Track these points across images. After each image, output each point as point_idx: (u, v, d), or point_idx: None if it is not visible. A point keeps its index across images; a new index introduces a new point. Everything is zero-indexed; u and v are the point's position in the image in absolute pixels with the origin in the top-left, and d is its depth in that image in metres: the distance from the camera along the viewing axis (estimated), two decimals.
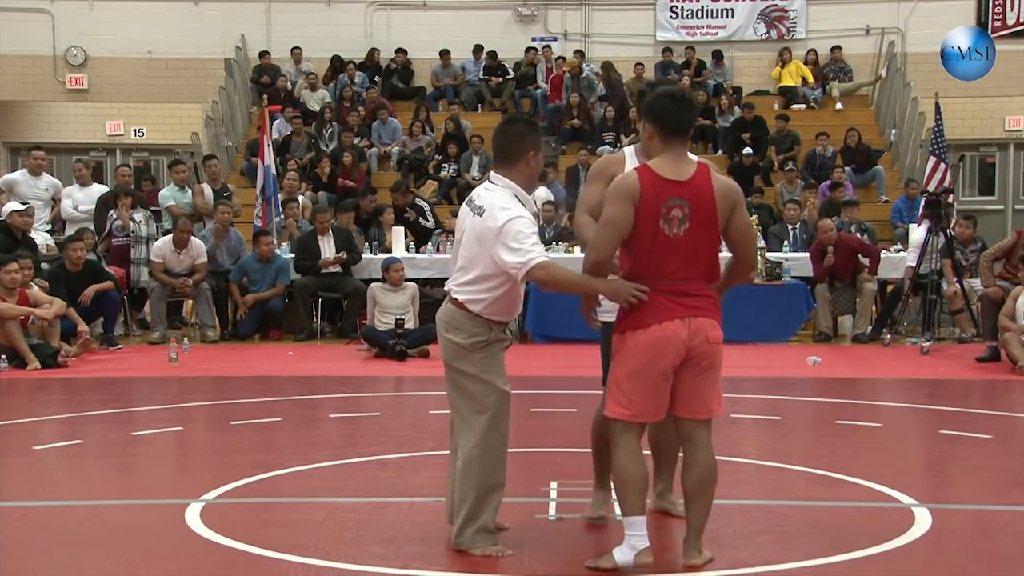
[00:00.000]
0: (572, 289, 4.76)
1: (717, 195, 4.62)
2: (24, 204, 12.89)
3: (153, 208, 14.48)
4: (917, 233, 13.48)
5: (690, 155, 4.71)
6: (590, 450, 5.35)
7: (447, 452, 5.09)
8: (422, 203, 15.08)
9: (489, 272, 4.79)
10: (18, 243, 12.38)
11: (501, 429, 4.88)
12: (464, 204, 5.00)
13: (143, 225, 13.60)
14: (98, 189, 14.67)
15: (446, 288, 4.98)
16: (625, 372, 4.60)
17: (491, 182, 4.93)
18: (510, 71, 20.60)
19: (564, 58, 20.42)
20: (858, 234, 13.76)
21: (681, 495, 5.39)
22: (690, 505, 4.65)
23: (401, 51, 20.80)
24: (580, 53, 20.74)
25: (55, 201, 14.51)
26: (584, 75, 19.84)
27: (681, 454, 4.80)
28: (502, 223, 4.71)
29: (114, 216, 13.58)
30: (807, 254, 13.56)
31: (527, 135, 4.94)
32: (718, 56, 20.68)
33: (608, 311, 4.93)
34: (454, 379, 4.90)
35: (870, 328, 13.13)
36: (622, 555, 4.60)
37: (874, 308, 13.59)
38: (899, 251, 13.95)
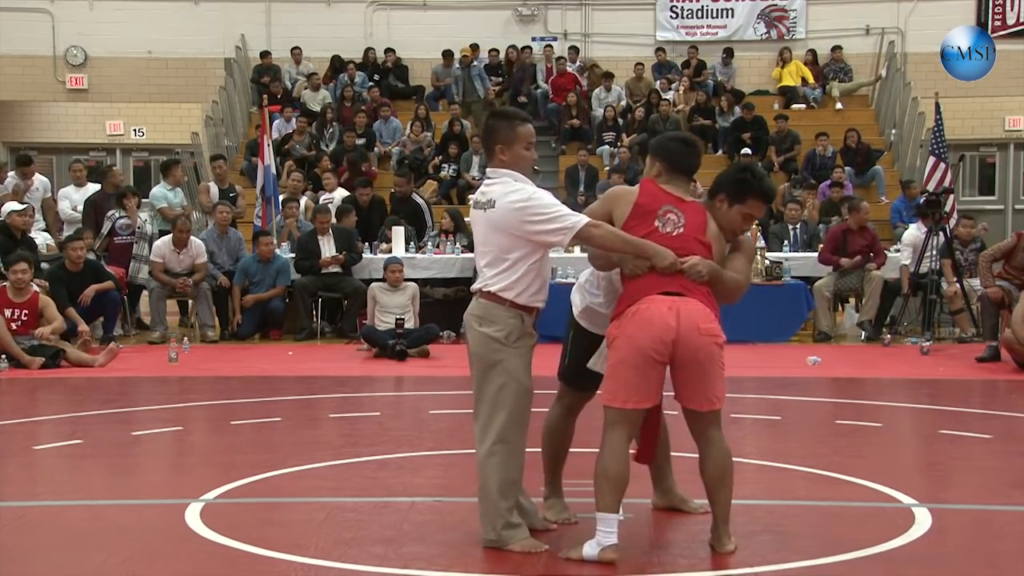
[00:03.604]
0: (622, 247, 4.77)
1: (709, 224, 4.88)
2: (23, 204, 12.91)
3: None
4: (910, 231, 13.49)
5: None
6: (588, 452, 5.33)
7: (447, 452, 5.10)
8: (419, 200, 14.96)
9: (517, 256, 4.82)
10: (17, 243, 12.39)
11: (522, 426, 4.91)
12: (473, 208, 5.04)
13: (148, 224, 13.61)
14: (95, 189, 14.64)
15: (473, 288, 4.98)
16: (615, 358, 4.72)
17: (488, 177, 4.97)
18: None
19: (564, 58, 20.44)
20: None
21: (682, 491, 5.46)
22: (712, 497, 4.83)
23: (390, 51, 20.79)
24: (575, 49, 20.78)
25: (54, 201, 14.52)
26: (474, 64, 20.26)
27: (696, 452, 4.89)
28: (523, 202, 4.77)
29: (116, 215, 13.57)
30: (808, 254, 13.58)
31: (494, 131, 4.91)
32: (728, 53, 20.60)
33: (591, 322, 5.11)
34: (483, 373, 4.88)
35: (871, 321, 13.08)
36: (589, 549, 4.72)
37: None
38: (898, 251, 13.94)
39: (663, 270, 4.71)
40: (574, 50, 20.78)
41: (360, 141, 18.27)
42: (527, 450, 5.00)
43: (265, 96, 16.84)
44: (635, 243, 4.76)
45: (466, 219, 14.52)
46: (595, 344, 5.05)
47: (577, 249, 11.78)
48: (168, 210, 14.24)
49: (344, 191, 15.34)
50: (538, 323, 5.00)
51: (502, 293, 4.86)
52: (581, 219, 4.75)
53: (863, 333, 13.02)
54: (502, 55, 20.58)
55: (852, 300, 14.12)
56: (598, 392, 5.00)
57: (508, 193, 4.82)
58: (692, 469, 5.01)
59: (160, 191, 14.64)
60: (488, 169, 5.02)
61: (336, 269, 13.32)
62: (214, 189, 14.72)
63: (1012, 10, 20.36)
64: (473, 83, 20.18)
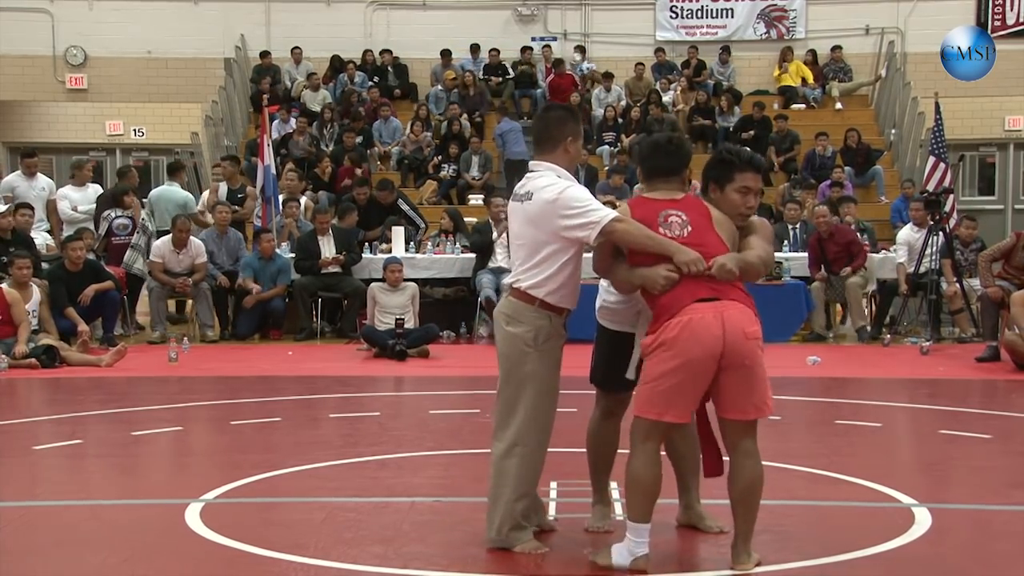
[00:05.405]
0: (645, 244, 4.63)
1: (713, 213, 4.75)
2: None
3: None
4: (904, 231, 13.50)
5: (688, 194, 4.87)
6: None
7: (447, 452, 5.09)
8: (404, 207, 14.67)
9: (549, 252, 4.78)
10: (8, 244, 12.34)
11: (544, 429, 4.88)
12: (511, 201, 5.02)
13: (148, 223, 13.62)
14: (94, 189, 14.62)
15: (504, 284, 4.97)
16: (657, 370, 4.51)
17: (531, 170, 4.95)
18: (510, 71, 20.62)
19: (564, 60, 20.44)
20: (858, 233, 13.74)
21: (701, 508, 5.33)
22: (737, 511, 4.61)
23: (387, 51, 20.80)
24: (581, 49, 20.79)
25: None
26: (455, 90, 20.42)
27: (726, 458, 4.72)
28: (556, 195, 4.74)
29: (112, 215, 13.56)
30: (807, 253, 13.57)
31: (565, 121, 4.96)
32: (726, 50, 20.59)
33: (611, 320, 5.03)
34: (508, 374, 4.85)
35: (869, 327, 13.10)
36: (619, 556, 4.59)
37: (873, 307, 13.63)
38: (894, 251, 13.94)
39: (687, 266, 4.53)
40: (580, 50, 20.77)
41: (359, 140, 18.27)
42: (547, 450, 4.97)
43: (265, 96, 16.81)
44: (657, 240, 4.62)
45: (466, 219, 14.53)
46: (618, 341, 4.98)
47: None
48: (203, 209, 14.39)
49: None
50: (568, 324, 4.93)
51: (532, 291, 4.81)
52: (609, 214, 4.66)
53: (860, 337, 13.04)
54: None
55: (843, 305, 14.10)
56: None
57: (546, 187, 4.79)
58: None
59: (178, 191, 14.59)
60: (532, 162, 5.00)
61: (336, 269, 13.32)
62: (223, 189, 14.72)
63: (1012, 10, 20.36)
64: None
